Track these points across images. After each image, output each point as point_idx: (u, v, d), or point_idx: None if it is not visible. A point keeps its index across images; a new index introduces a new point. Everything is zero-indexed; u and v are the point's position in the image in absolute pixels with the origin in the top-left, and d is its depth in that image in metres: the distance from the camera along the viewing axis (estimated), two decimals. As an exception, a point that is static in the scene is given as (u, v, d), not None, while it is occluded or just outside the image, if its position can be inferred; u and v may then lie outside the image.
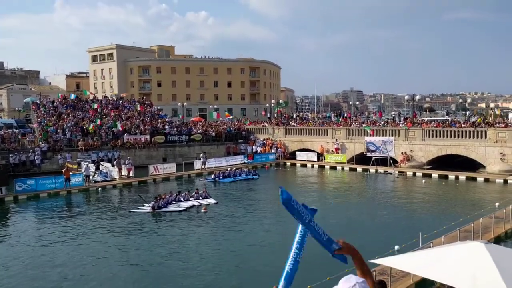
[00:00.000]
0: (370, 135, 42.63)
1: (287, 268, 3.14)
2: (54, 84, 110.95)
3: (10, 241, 19.74)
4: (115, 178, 35.80)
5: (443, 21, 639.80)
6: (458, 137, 38.33)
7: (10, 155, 39.02)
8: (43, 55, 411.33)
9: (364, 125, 47.89)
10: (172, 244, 18.80)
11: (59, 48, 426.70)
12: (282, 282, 3.11)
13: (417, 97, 59.17)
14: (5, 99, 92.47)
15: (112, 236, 20.29)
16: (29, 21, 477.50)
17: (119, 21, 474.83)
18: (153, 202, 24.90)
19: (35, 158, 40.11)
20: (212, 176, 36.66)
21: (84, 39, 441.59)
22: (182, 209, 24.93)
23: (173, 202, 25.88)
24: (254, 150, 49.24)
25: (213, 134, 51.61)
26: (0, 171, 29.10)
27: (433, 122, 50.87)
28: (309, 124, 54.61)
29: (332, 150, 45.28)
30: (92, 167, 35.13)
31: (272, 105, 67.78)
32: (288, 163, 46.67)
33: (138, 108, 55.39)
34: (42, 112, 50.16)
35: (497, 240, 17.35)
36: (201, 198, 27.15)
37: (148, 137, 47.07)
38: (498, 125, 38.92)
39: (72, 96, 58.21)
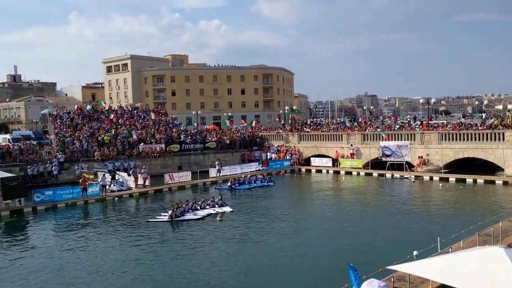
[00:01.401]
0: (385, 140, 42.33)
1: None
2: (70, 95, 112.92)
3: (30, 252, 19.99)
4: (131, 187, 36.12)
5: (456, 23, 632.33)
6: (475, 139, 37.78)
7: (28, 167, 39.67)
8: (59, 67, 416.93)
9: (379, 129, 47.60)
10: (192, 254, 18.80)
11: (75, 60, 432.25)
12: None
13: (433, 100, 58.52)
14: (23, 112, 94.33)
15: (131, 246, 20.40)
16: (44, 34, 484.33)
17: (133, 31, 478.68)
18: (170, 211, 25.09)
19: (53, 169, 40.71)
20: (228, 184, 36.75)
21: (99, 50, 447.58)
22: (199, 217, 25.11)
23: (190, 210, 26.06)
24: (268, 157, 49.23)
25: (228, 141, 51.77)
26: (19, 182, 29.60)
27: (449, 125, 50.37)
28: (324, 129, 54.50)
29: (347, 156, 45.05)
30: (108, 177, 35.50)
31: (286, 111, 67.81)
32: (303, 169, 46.58)
33: (152, 117, 55.98)
34: (59, 123, 50.90)
35: (518, 244, 17.04)
36: (217, 206, 27.27)
37: (163, 146, 47.47)
38: (515, 127, 38.34)
39: (88, 107, 59.02)
